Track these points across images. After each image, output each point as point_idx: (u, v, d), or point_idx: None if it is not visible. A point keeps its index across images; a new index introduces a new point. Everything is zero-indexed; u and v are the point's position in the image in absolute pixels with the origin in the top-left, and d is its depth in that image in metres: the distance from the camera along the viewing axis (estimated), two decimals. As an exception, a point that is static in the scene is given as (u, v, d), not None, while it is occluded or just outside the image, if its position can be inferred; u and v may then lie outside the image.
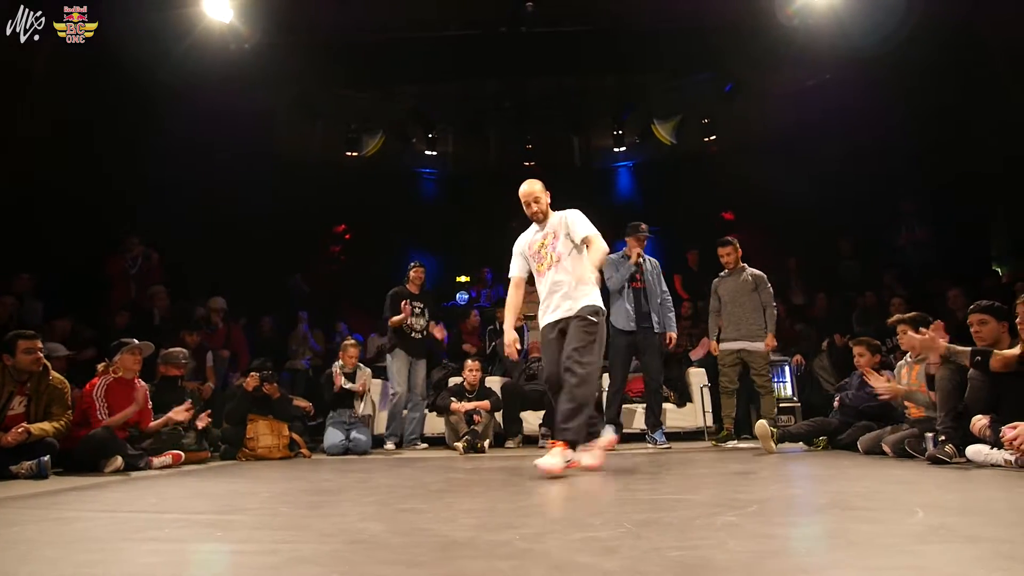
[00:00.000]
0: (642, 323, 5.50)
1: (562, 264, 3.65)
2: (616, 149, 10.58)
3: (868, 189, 8.58)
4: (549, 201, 3.81)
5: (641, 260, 5.55)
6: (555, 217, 3.77)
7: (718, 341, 5.60)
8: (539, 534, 1.91)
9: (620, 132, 10.30)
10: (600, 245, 3.58)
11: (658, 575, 1.39)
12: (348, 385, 5.80)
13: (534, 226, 3.84)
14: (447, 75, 9.39)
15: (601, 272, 3.91)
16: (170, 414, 4.71)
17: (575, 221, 3.69)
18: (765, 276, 5.55)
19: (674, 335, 5.66)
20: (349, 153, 10.14)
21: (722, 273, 5.68)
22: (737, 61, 8.39)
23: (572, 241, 3.65)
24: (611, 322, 5.45)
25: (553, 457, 3.27)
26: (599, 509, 2.37)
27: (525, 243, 3.84)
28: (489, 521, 2.16)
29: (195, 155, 7.69)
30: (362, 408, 5.91)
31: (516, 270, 3.87)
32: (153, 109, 7.17)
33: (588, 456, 3.55)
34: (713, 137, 9.98)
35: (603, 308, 3.66)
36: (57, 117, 6.49)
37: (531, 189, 3.76)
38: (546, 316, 3.70)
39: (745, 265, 5.59)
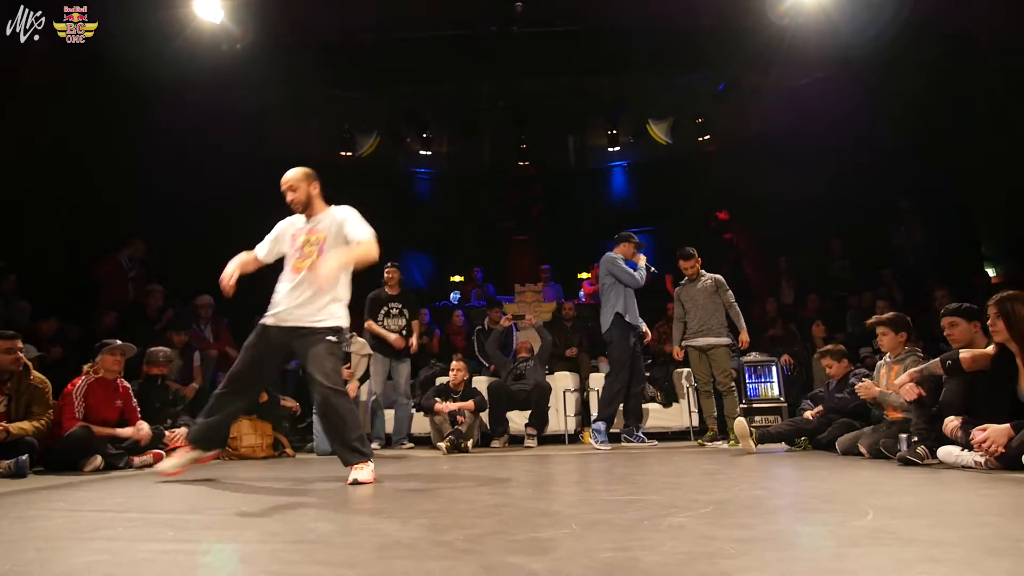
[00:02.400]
0: (639, 326, 5.86)
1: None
2: (610, 149, 10.57)
3: (862, 188, 8.54)
4: (317, 192, 3.41)
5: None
6: (329, 214, 3.39)
7: (681, 345, 5.83)
8: (483, 535, 1.91)
9: (614, 132, 10.29)
10: (373, 251, 3.21)
11: (579, 576, 1.40)
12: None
13: (303, 216, 3.44)
14: (440, 75, 9.38)
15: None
16: (131, 433, 4.64)
17: (353, 221, 3.30)
18: (723, 279, 5.81)
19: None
20: (343, 153, 10.16)
21: (682, 281, 5.93)
22: (729, 60, 8.37)
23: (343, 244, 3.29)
24: (626, 318, 5.66)
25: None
26: (554, 509, 2.37)
27: (288, 232, 3.44)
28: (441, 521, 2.17)
29: (187, 155, 7.71)
30: (359, 374, 5.98)
31: (263, 252, 3.51)
32: (144, 109, 7.20)
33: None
34: (707, 137, 9.96)
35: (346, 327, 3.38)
36: (48, 118, 6.52)
37: (288, 177, 3.39)
38: (277, 312, 3.29)
39: (703, 272, 5.85)
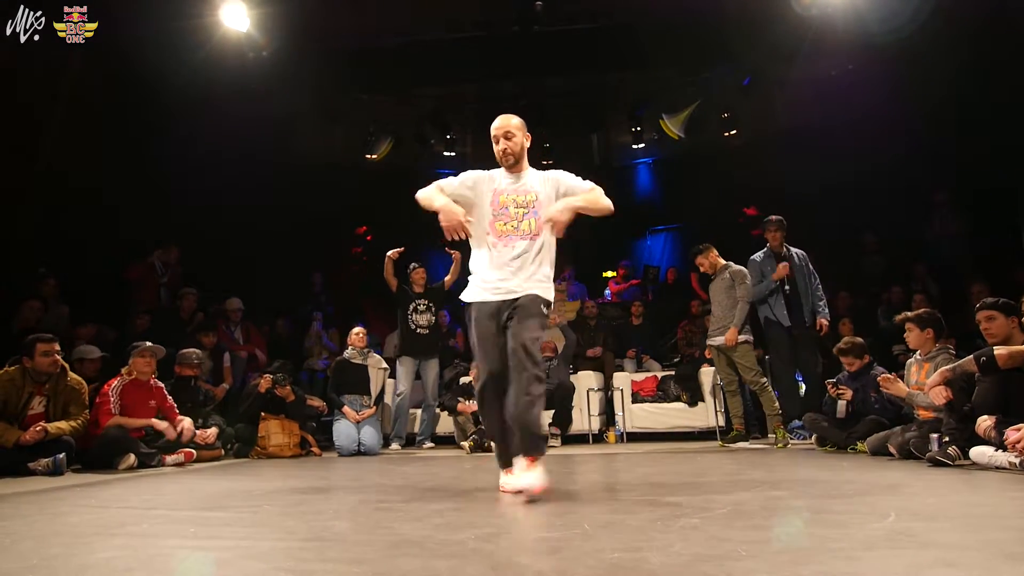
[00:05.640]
0: (794, 319, 5.60)
1: (539, 240, 2.88)
2: (635, 146, 10.48)
3: (895, 180, 8.30)
4: (527, 147, 3.00)
5: (788, 254, 5.68)
6: (537, 174, 3.00)
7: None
8: (495, 534, 1.92)
9: (639, 129, 10.20)
10: (605, 199, 2.88)
11: (582, 577, 1.40)
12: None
13: (502, 171, 2.96)
14: (463, 76, 9.43)
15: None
16: (159, 427, 4.78)
17: (570, 178, 2.96)
18: (744, 272, 5.58)
19: (825, 321, 5.61)
20: (369, 156, 10.27)
21: (711, 276, 5.79)
22: (754, 53, 8.21)
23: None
24: (773, 316, 5.63)
25: (536, 474, 2.60)
26: (569, 509, 2.36)
27: (486, 186, 2.92)
28: (455, 520, 2.19)
29: (214, 162, 7.84)
30: (376, 390, 6.02)
31: (449, 189, 2.89)
32: (173, 116, 7.35)
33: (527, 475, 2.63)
34: (734, 132, 9.79)
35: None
36: (84, 124, 6.73)
37: (506, 122, 2.93)
38: (486, 292, 2.85)
39: (729, 264, 5.67)
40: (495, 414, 2.81)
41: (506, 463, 2.91)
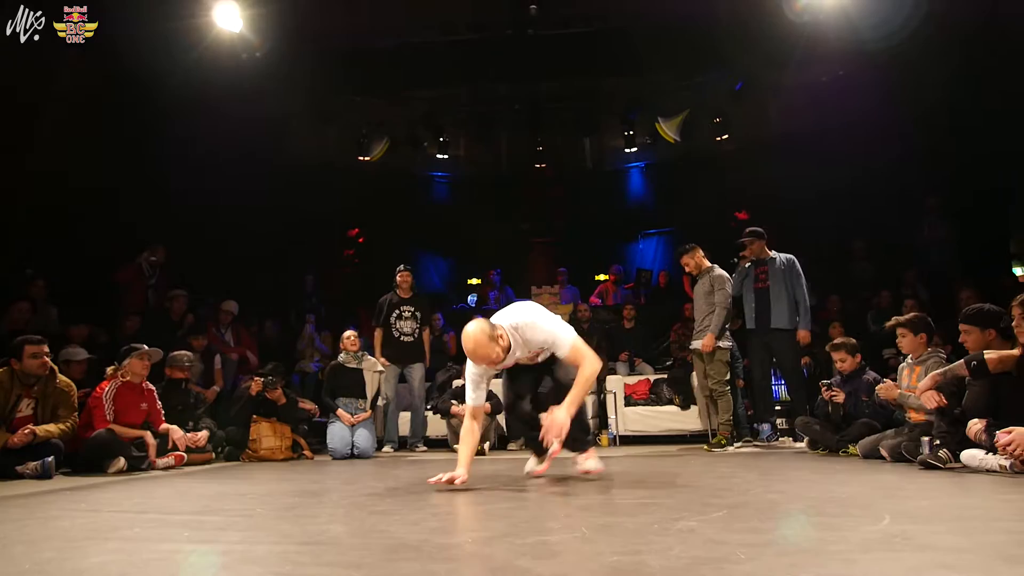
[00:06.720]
0: (762, 321, 5.53)
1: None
2: (627, 150, 10.52)
3: (886, 186, 8.38)
4: (504, 342, 3.06)
5: (768, 259, 5.60)
6: (523, 339, 3.14)
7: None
8: (492, 538, 1.91)
9: (631, 133, 10.24)
10: (596, 368, 3.12)
11: (583, 580, 1.39)
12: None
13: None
14: (457, 79, 9.45)
15: None
16: (175, 438, 4.78)
17: (561, 342, 3.11)
18: (724, 276, 5.57)
19: (804, 332, 5.51)
20: (361, 158, 10.25)
21: (697, 277, 5.79)
22: (748, 59, 8.29)
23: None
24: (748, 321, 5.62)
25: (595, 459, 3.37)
26: (565, 513, 2.36)
27: (489, 373, 3.23)
28: (451, 524, 2.18)
29: (207, 162, 7.81)
30: (371, 393, 5.96)
31: (478, 400, 3.24)
32: (166, 117, 7.31)
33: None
34: (726, 136, 9.85)
35: None
36: (75, 125, 6.67)
37: (477, 356, 2.99)
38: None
39: (713, 267, 5.66)
40: (523, 426, 3.44)
41: (538, 453, 3.45)
